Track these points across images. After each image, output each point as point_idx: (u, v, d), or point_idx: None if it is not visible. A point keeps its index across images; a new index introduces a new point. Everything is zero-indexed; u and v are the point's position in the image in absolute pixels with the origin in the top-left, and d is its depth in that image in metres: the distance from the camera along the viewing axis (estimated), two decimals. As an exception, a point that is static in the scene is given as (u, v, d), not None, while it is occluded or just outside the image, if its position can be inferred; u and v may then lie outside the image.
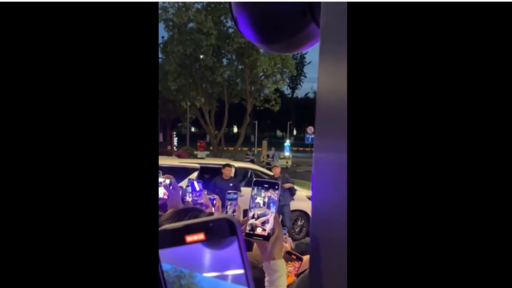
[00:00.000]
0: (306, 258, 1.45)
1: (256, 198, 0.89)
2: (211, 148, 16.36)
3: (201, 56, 13.24)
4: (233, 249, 0.35)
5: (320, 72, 0.44)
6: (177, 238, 0.36)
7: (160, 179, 1.57)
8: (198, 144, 17.78)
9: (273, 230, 0.87)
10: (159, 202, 1.49)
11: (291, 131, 41.26)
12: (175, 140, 19.88)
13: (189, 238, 0.35)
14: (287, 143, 20.30)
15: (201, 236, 0.35)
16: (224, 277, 0.36)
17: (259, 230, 0.88)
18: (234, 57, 14.43)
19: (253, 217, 0.89)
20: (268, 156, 14.88)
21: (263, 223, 0.88)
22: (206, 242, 0.35)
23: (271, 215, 0.88)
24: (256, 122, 27.24)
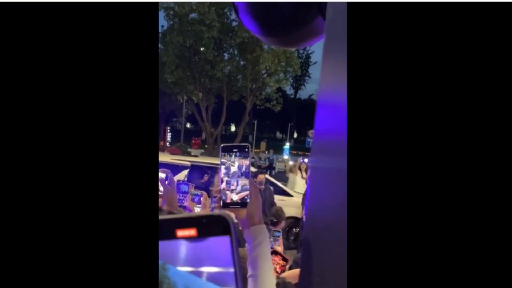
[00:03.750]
0: (296, 271, 1.46)
1: (230, 167, 0.87)
2: (206, 146, 16.34)
3: (202, 49, 13.24)
4: (224, 248, 0.35)
5: (322, 72, 0.45)
6: (167, 231, 0.35)
7: None
8: (193, 141, 17.77)
9: (250, 195, 0.86)
10: None
11: (292, 134, 41.30)
12: (169, 135, 19.86)
13: (180, 233, 0.35)
14: (287, 146, 20.33)
15: (192, 232, 0.35)
16: (204, 275, 0.35)
17: (234, 198, 0.86)
18: (236, 52, 14.43)
19: (233, 191, 0.87)
20: (260, 159, 14.30)
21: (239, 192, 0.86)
22: (197, 239, 0.35)
23: (247, 182, 0.86)
24: (256, 122, 27.28)
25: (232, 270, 0.35)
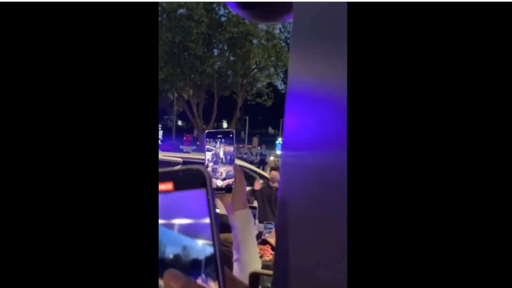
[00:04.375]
0: None
1: (215, 154, 0.88)
2: (198, 143, 16.34)
3: (191, 45, 13.14)
4: (200, 201, 0.35)
5: (291, 57, 0.42)
6: None
7: None
8: (185, 138, 17.77)
9: (234, 180, 0.87)
10: None
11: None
12: (160, 133, 19.86)
13: None
14: (279, 141, 20.47)
15: (169, 185, 0.35)
16: (177, 227, 0.36)
17: (219, 183, 0.87)
18: (225, 48, 14.39)
19: (217, 177, 0.88)
20: (251, 154, 14.36)
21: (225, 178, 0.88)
22: (173, 192, 0.35)
23: (232, 167, 0.88)
24: (247, 117, 27.33)
25: (207, 221, 0.35)
